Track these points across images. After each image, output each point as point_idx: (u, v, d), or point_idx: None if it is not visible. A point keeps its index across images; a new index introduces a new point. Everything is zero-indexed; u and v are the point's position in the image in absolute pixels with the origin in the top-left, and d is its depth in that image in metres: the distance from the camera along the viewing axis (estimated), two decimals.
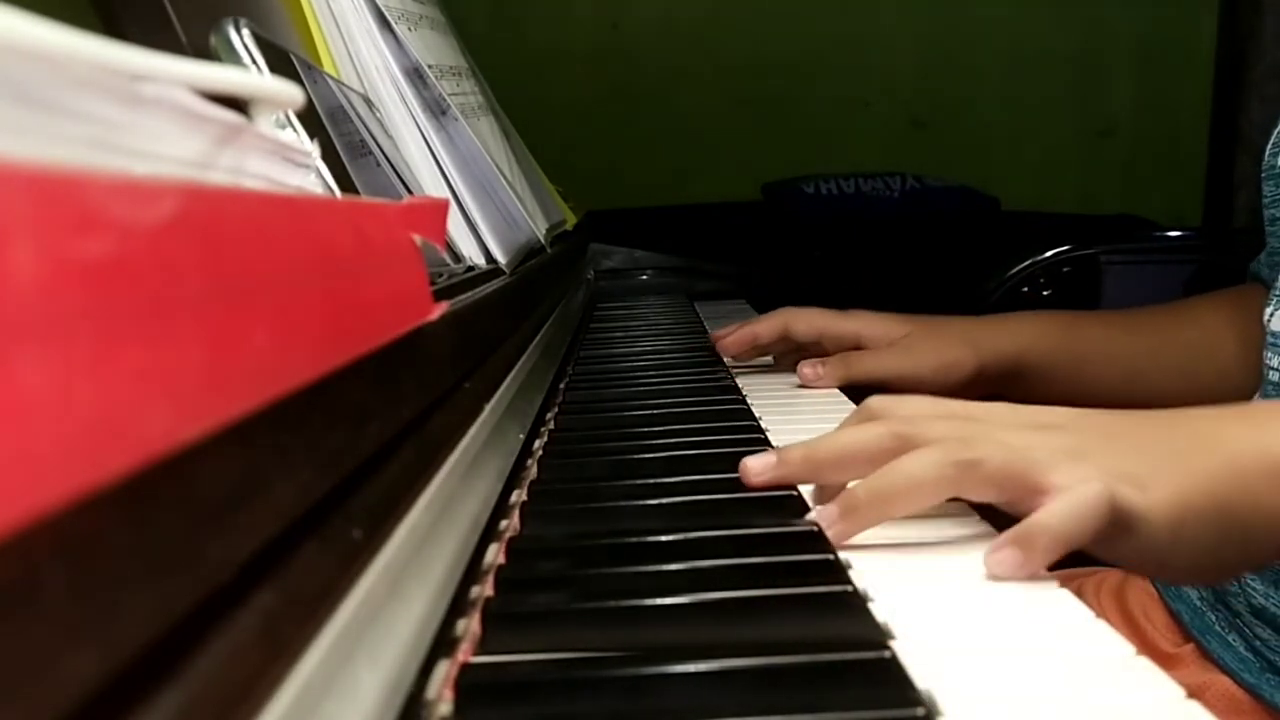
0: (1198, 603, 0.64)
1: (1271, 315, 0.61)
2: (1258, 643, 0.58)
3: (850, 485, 0.40)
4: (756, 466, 0.43)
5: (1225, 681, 0.59)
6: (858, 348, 0.75)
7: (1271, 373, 0.61)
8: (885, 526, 0.41)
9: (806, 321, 0.77)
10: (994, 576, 0.35)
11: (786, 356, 0.80)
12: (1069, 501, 0.36)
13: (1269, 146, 0.65)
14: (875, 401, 0.44)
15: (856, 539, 0.40)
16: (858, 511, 0.39)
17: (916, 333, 0.74)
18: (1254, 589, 0.57)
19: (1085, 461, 0.38)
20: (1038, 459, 0.38)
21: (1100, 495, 0.36)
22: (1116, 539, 0.37)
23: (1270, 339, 0.61)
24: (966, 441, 0.39)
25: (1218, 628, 0.61)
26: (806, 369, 0.73)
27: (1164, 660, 0.63)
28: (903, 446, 0.40)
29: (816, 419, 0.64)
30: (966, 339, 0.74)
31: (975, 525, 0.43)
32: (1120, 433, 0.41)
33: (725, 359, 0.82)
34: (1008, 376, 0.75)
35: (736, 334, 0.79)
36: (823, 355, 0.75)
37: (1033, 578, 0.36)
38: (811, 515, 0.40)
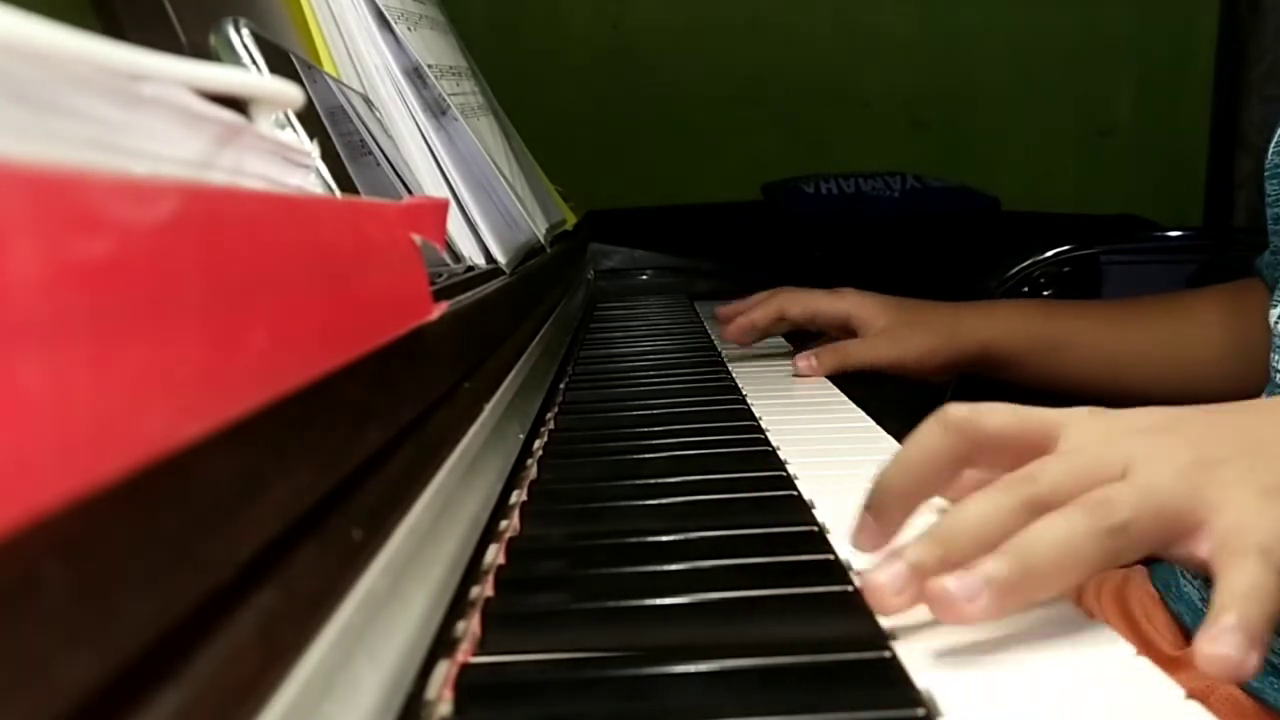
0: (1199, 604, 0.64)
1: (1279, 318, 0.61)
2: None
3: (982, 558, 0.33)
4: (892, 584, 0.33)
5: (1229, 685, 0.59)
6: (847, 325, 0.83)
7: (1276, 374, 0.61)
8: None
9: (800, 305, 0.85)
10: (1209, 672, 0.30)
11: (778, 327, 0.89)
12: (1252, 585, 0.31)
13: (1272, 145, 0.65)
14: (956, 413, 0.38)
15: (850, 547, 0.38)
16: (1011, 586, 0.32)
17: (902, 319, 0.81)
18: None
19: (1224, 477, 0.34)
20: (1179, 493, 0.34)
21: (1264, 570, 0.32)
22: None
23: (1277, 340, 0.61)
24: (1107, 502, 0.34)
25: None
26: (801, 361, 0.80)
27: (1166, 663, 0.62)
28: (1035, 511, 0.35)
29: (817, 418, 0.64)
30: (945, 326, 0.81)
31: None
32: (1243, 429, 0.37)
33: (723, 349, 0.89)
34: (982, 360, 0.81)
35: (736, 325, 0.87)
36: (815, 334, 0.85)
37: None
38: (943, 594, 0.32)
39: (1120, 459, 0.35)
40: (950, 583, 0.32)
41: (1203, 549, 0.33)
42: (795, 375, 0.79)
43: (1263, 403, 0.39)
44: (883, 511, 0.37)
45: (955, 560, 0.33)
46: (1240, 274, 0.76)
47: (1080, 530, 0.33)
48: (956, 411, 0.38)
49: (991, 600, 0.32)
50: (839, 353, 0.81)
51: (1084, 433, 0.38)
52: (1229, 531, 0.33)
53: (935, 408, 0.39)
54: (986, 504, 0.35)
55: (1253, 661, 0.29)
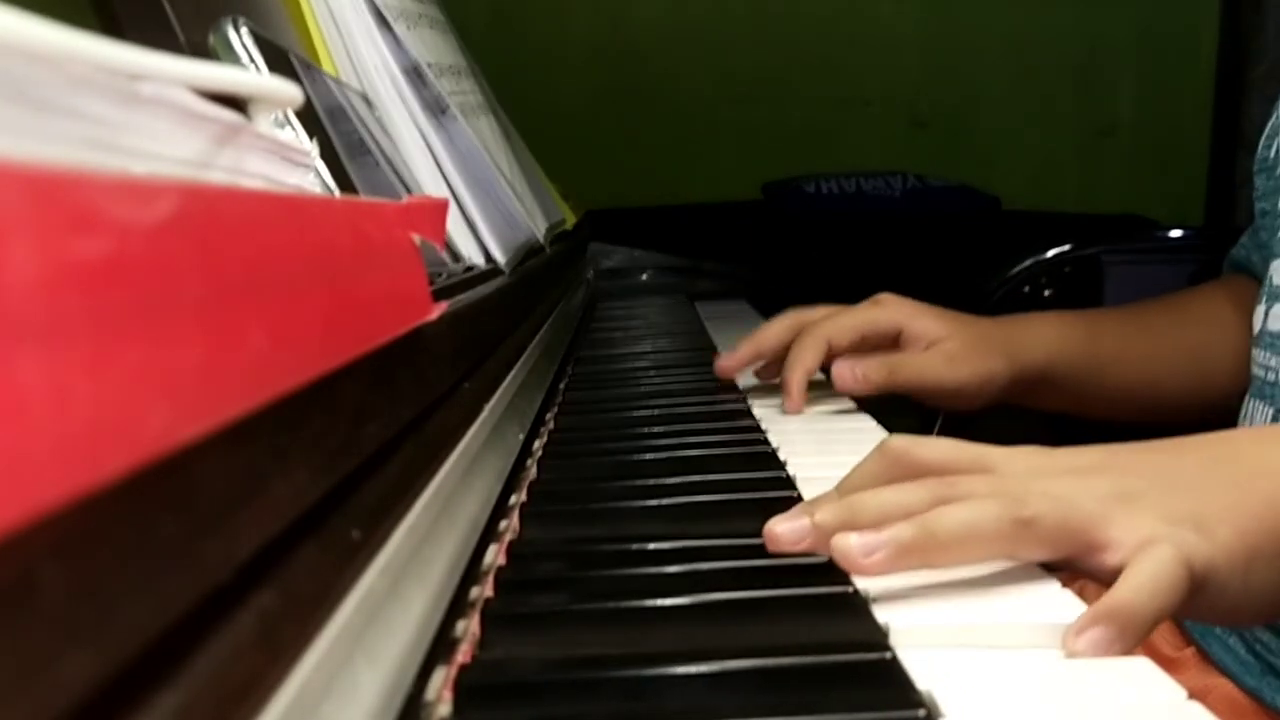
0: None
1: (1267, 314, 0.61)
2: (1258, 646, 0.57)
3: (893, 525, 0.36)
4: (788, 535, 0.37)
5: (1227, 685, 0.59)
6: (896, 339, 0.69)
7: (1268, 373, 0.60)
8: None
9: (842, 330, 0.68)
10: (1077, 654, 0.31)
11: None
12: (1148, 575, 0.33)
13: (1262, 140, 0.65)
14: (896, 443, 0.40)
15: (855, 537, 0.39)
16: (904, 550, 0.35)
17: (958, 338, 0.69)
18: None
19: (1138, 506, 0.36)
20: (1091, 511, 0.36)
21: (1175, 561, 0.34)
22: (1190, 597, 0.34)
23: (1269, 339, 0.61)
24: (1017, 498, 0.36)
25: (1218, 631, 0.61)
26: (845, 370, 0.66)
27: (1166, 664, 0.62)
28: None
29: (818, 418, 0.64)
30: (1003, 349, 0.70)
31: None
32: (1163, 468, 0.39)
33: (723, 349, 0.77)
34: (1037, 384, 0.72)
35: (796, 395, 0.66)
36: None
37: (1032, 577, 0.36)
38: (844, 542, 0.35)
39: (1043, 489, 0.37)
40: (853, 538, 0.35)
41: (1114, 558, 0.35)
42: (839, 389, 0.66)
43: (1192, 441, 0.41)
44: (821, 533, 0.37)
45: (857, 527, 0.36)
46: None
47: (987, 513, 0.35)
48: (897, 442, 0.40)
49: (887, 556, 0.35)
50: (887, 366, 0.67)
51: (1014, 464, 0.39)
52: (1141, 542, 0.35)
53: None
54: (900, 492, 0.38)
55: (1115, 651, 0.31)
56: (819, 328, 0.68)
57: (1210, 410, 0.70)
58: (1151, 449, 0.40)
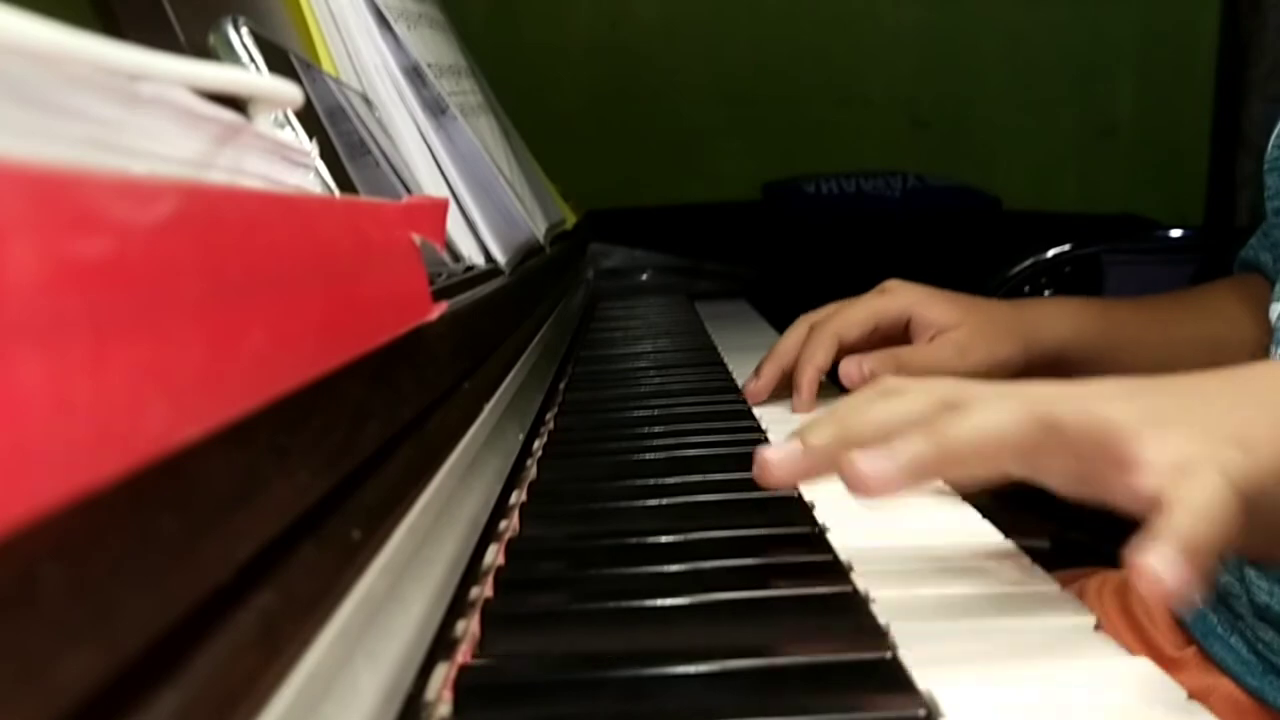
0: (1199, 603, 0.64)
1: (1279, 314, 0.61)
2: (1260, 645, 0.57)
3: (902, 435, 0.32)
4: (778, 458, 0.34)
5: (1229, 685, 0.59)
6: (906, 327, 0.68)
7: None
8: (884, 523, 0.40)
9: (851, 322, 0.67)
10: (1162, 594, 0.28)
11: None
12: (1203, 503, 0.29)
13: (1272, 139, 0.65)
14: (895, 381, 0.36)
15: (855, 536, 0.39)
16: (917, 462, 0.31)
17: (971, 322, 0.67)
18: (1259, 586, 0.57)
19: (1173, 425, 0.32)
20: (1123, 424, 0.32)
21: (1225, 486, 0.30)
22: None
23: (1278, 336, 0.61)
24: (1048, 401, 0.32)
25: (1219, 630, 0.61)
26: (852, 368, 0.65)
27: (1167, 664, 0.62)
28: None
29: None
30: (1017, 332, 0.68)
31: (974, 522, 0.43)
32: (1198, 388, 0.35)
33: (723, 349, 0.77)
34: (1051, 369, 0.69)
35: (804, 392, 0.66)
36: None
37: (1032, 578, 0.36)
38: (849, 461, 0.32)
39: (1065, 396, 0.33)
40: (856, 454, 0.31)
41: (1145, 479, 0.31)
42: (847, 387, 0.65)
43: (1224, 370, 0.37)
44: (816, 455, 0.35)
45: (850, 442, 0.33)
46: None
47: (1008, 413, 0.32)
48: (893, 379, 0.36)
49: (899, 471, 0.31)
50: (895, 361, 0.66)
51: (1036, 386, 0.35)
52: (1178, 464, 0.31)
53: None
54: (901, 400, 0.34)
55: (1186, 583, 0.28)
56: (828, 324, 0.67)
57: None
58: (1180, 377, 0.36)
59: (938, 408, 0.33)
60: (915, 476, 0.31)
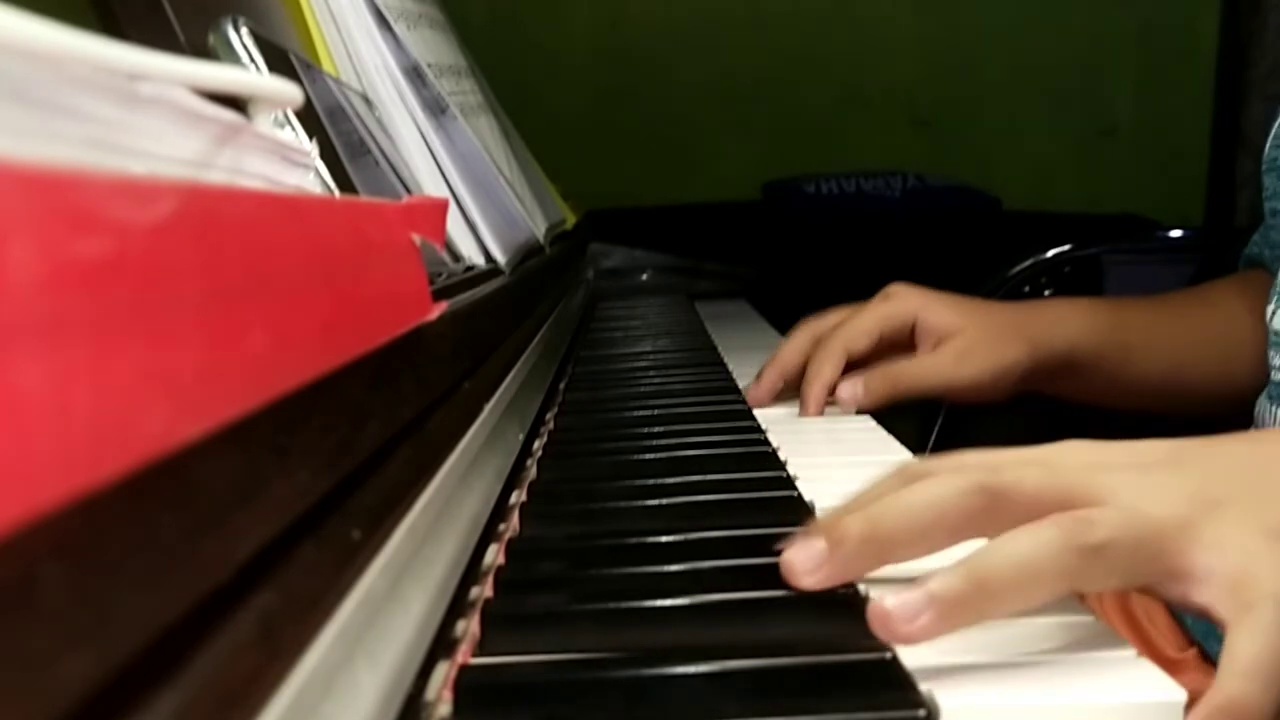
0: None
1: (1274, 313, 0.61)
2: None
3: (938, 571, 0.30)
4: (805, 563, 0.32)
5: None
6: (912, 332, 0.67)
7: (1276, 372, 0.60)
8: None
9: (860, 333, 0.66)
10: None
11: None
12: (1257, 652, 0.28)
13: (1270, 139, 0.65)
14: (919, 467, 0.35)
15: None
16: (952, 606, 0.29)
17: (971, 330, 0.66)
18: None
19: (1225, 514, 0.30)
20: (1169, 523, 0.30)
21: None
22: None
23: (1275, 337, 0.61)
24: (1086, 519, 0.30)
25: (1219, 632, 0.61)
26: (844, 391, 0.64)
27: (1168, 665, 0.62)
28: (994, 506, 0.31)
29: (819, 418, 0.64)
30: (1023, 335, 0.66)
31: None
32: (1246, 463, 0.33)
33: (723, 349, 0.77)
34: (1059, 371, 0.68)
35: (812, 401, 0.65)
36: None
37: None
38: (879, 608, 0.29)
39: (1107, 485, 0.32)
40: (889, 600, 0.29)
41: (1203, 594, 0.31)
42: (842, 410, 0.64)
43: (1267, 434, 0.37)
44: (840, 555, 0.32)
45: (882, 540, 0.31)
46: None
47: (1048, 545, 0.30)
48: (916, 465, 0.35)
49: (934, 619, 0.29)
50: (889, 377, 0.64)
51: (1069, 453, 0.34)
52: (1237, 579, 0.30)
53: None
54: (928, 487, 0.32)
55: None
56: (835, 337, 0.66)
57: (1232, 402, 0.69)
58: (1223, 441, 0.34)
59: (968, 490, 0.31)
60: (950, 621, 0.29)
